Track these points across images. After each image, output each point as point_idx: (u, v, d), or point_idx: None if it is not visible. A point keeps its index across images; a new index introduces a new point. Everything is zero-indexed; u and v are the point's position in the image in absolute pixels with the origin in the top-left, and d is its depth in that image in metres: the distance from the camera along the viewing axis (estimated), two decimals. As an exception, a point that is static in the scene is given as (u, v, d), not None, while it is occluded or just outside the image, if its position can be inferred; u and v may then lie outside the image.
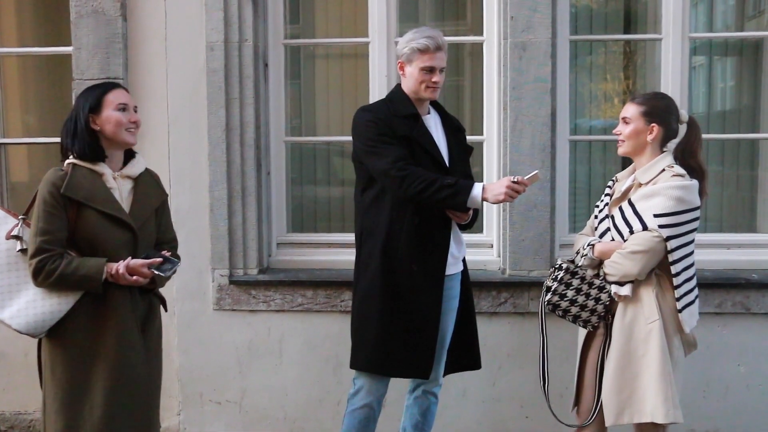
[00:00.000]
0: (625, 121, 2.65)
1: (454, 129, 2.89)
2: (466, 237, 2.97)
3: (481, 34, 3.55)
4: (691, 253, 2.57)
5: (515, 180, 2.61)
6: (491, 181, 3.00)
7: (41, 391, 2.45)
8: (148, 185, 2.54)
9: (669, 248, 2.48)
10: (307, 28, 4.00)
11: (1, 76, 3.99)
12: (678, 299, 2.52)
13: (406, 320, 2.71)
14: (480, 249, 3.54)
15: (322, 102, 4.04)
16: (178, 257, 2.53)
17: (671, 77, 3.44)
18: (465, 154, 2.91)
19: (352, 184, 2.88)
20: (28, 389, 3.38)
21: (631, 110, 2.64)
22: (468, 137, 3.02)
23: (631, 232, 2.53)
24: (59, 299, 2.33)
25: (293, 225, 3.78)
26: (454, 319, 2.87)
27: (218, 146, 3.45)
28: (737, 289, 3.37)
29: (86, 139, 2.38)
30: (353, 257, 2.85)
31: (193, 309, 3.56)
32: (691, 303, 2.57)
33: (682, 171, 2.56)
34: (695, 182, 2.56)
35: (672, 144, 2.67)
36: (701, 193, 2.58)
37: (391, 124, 2.71)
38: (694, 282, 2.59)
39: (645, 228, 2.50)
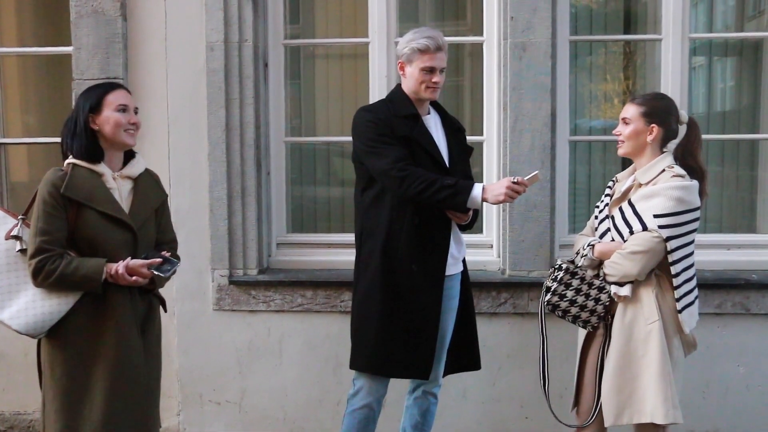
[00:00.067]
0: (625, 121, 2.65)
1: (454, 129, 2.89)
2: (466, 237, 2.97)
3: (481, 34, 3.55)
4: (691, 253, 2.56)
5: (515, 180, 2.61)
6: (491, 182, 3.00)
7: (41, 392, 2.44)
8: (148, 185, 2.54)
9: (669, 249, 2.48)
10: (307, 29, 3.99)
11: (1, 76, 3.99)
12: (678, 300, 2.52)
13: (406, 320, 2.71)
14: (480, 249, 3.54)
15: (322, 102, 4.04)
16: (178, 257, 2.53)
17: (671, 78, 3.44)
18: (465, 155, 2.91)
19: (352, 185, 2.88)
20: (28, 389, 3.37)
21: (630, 111, 2.64)
22: (468, 137, 3.02)
23: (631, 232, 2.53)
24: (59, 299, 2.33)
25: (293, 225, 3.78)
26: (453, 320, 2.86)
27: (218, 146, 3.45)
28: (737, 289, 3.37)
29: (85, 138, 2.37)
30: (353, 257, 2.85)
31: (193, 309, 3.55)
32: (691, 303, 2.57)
33: (682, 171, 2.56)
34: (695, 183, 2.56)
35: (672, 144, 2.67)
36: (701, 193, 2.58)
37: (391, 124, 2.70)
38: (694, 282, 2.59)
39: (645, 228, 2.50)
